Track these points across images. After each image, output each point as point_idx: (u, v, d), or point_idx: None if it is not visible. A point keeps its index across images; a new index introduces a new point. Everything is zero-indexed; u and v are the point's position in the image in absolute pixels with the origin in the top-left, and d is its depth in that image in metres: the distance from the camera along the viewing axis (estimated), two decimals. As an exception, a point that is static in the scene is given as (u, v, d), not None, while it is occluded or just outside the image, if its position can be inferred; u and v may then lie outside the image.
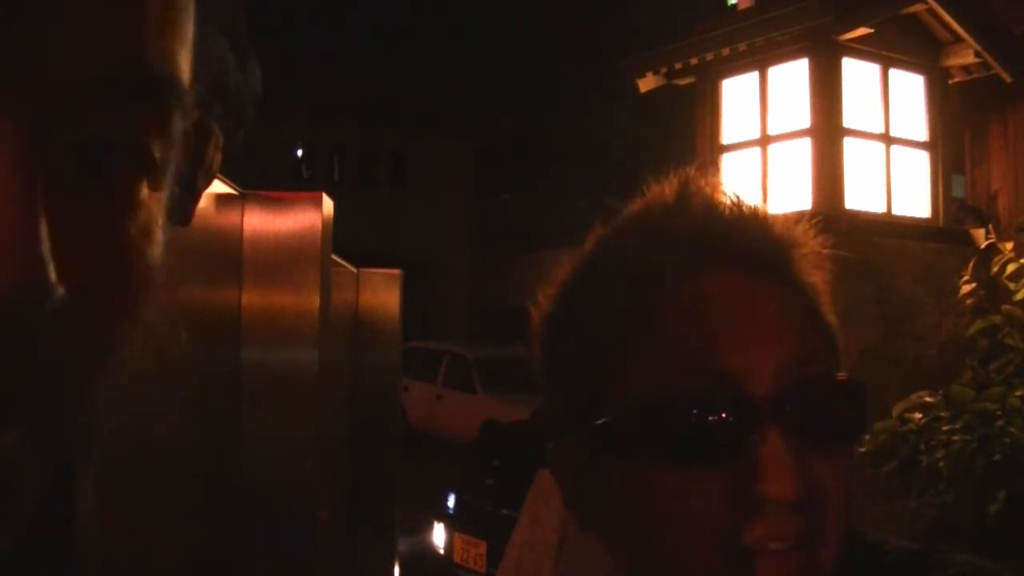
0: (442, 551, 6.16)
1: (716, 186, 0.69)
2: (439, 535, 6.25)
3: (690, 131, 4.76)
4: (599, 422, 0.64)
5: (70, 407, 0.34)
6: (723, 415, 0.60)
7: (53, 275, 0.29)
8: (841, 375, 0.64)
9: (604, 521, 0.67)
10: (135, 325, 0.36)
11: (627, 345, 0.64)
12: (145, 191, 0.35)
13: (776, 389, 0.60)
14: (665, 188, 0.70)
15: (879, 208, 4.43)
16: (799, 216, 0.71)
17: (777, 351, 0.61)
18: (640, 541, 0.64)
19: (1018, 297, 3.94)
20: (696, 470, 0.60)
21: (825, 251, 0.69)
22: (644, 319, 0.64)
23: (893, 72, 4.46)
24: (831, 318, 0.67)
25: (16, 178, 0.29)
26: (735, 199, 0.68)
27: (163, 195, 0.37)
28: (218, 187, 1.28)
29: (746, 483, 0.58)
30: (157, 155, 0.35)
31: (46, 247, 0.29)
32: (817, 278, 0.68)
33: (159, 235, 0.36)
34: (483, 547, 5.68)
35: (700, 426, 0.60)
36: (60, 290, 0.30)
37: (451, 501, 6.21)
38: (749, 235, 0.66)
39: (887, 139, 4.45)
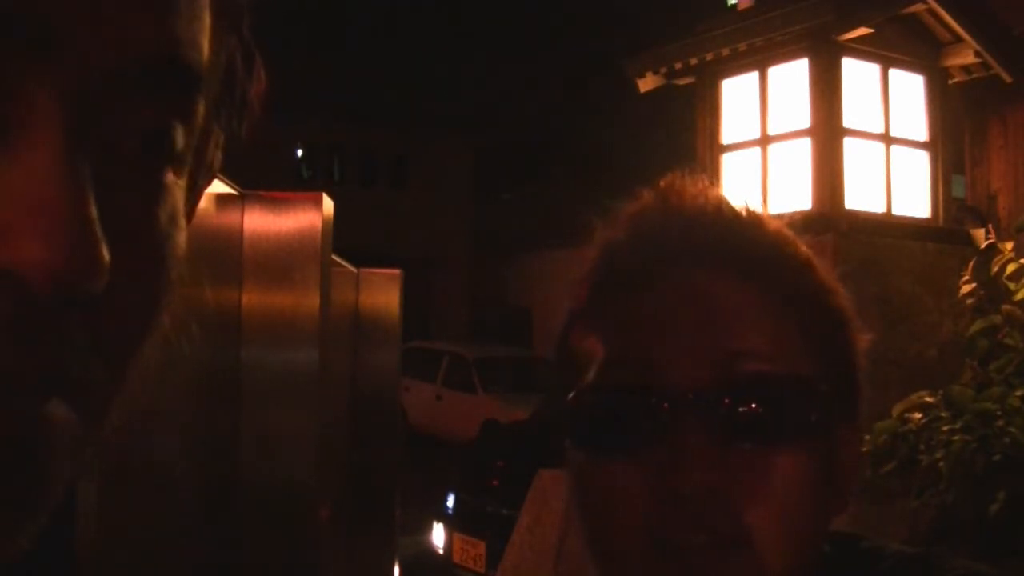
0: (441, 551, 6.16)
1: (705, 190, 0.70)
2: (438, 535, 6.25)
3: (690, 131, 4.76)
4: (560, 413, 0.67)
5: (109, 389, 0.35)
6: (644, 404, 0.61)
7: (106, 256, 0.30)
8: (787, 372, 0.63)
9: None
10: (162, 312, 0.37)
11: (590, 340, 0.66)
12: (172, 177, 0.36)
13: (702, 381, 0.60)
14: (655, 192, 0.72)
15: (879, 208, 4.43)
16: (794, 219, 0.71)
17: (708, 344, 0.61)
18: (585, 529, 0.66)
19: (1018, 297, 3.94)
20: (621, 459, 0.61)
21: (810, 256, 0.69)
22: (604, 315, 0.66)
23: (893, 72, 4.46)
24: (815, 325, 0.66)
25: (66, 160, 0.30)
26: (722, 202, 0.69)
27: (183, 182, 0.38)
28: (218, 187, 1.28)
29: (663, 474, 0.59)
30: (181, 142, 0.36)
31: (99, 228, 0.30)
32: (806, 284, 0.67)
33: (183, 222, 0.38)
34: (482, 547, 5.68)
35: (622, 415, 0.61)
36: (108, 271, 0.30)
37: (450, 501, 6.21)
38: (730, 238, 0.66)
39: (887, 139, 4.45)
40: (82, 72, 0.31)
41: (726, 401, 0.60)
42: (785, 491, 0.60)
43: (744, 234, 0.67)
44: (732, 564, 0.59)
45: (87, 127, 0.31)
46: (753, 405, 0.61)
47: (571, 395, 0.66)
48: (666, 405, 0.60)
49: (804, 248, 0.69)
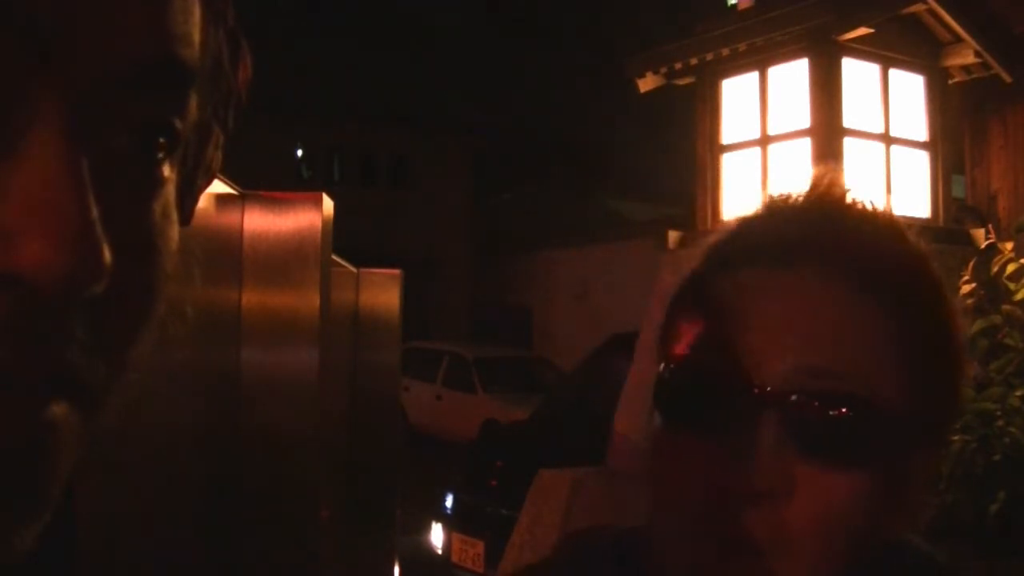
0: (440, 551, 6.15)
1: (844, 191, 0.69)
2: (437, 535, 6.24)
3: (690, 131, 4.76)
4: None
5: (108, 381, 0.35)
6: (722, 392, 0.61)
7: (108, 257, 0.30)
8: (871, 394, 0.60)
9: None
10: (159, 304, 0.37)
11: (692, 317, 0.66)
12: (166, 171, 0.36)
13: (781, 385, 0.59)
14: (798, 187, 0.71)
15: (879, 208, 4.43)
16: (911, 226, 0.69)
17: (799, 350, 0.60)
18: (652, 498, 0.66)
19: (1018, 297, 3.94)
20: (693, 439, 0.62)
21: (940, 280, 0.67)
22: (709, 297, 0.66)
23: (893, 72, 4.46)
24: (924, 353, 0.64)
25: (67, 163, 0.30)
26: (862, 208, 0.68)
27: (176, 176, 0.38)
28: (218, 187, 1.28)
29: (722, 468, 0.59)
30: (175, 136, 0.36)
31: (100, 229, 0.30)
32: (926, 310, 0.65)
33: (175, 215, 0.38)
34: (480, 547, 5.68)
35: (703, 397, 0.62)
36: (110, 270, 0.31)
37: (449, 501, 6.21)
38: (854, 246, 0.65)
39: (887, 139, 4.45)
40: (81, 73, 0.31)
41: (800, 410, 0.59)
42: (840, 510, 0.59)
43: (872, 244, 0.65)
44: (769, 571, 0.59)
45: (86, 127, 0.31)
46: (827, 420, 0.59)
47: (663, 365, 0.66)
48: (742, 400, 0.60)
49: (935, 271, 0.68)
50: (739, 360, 0.61)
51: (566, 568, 0.76)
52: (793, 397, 0.59)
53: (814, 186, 0.70)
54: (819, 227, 0.66)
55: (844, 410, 0.60)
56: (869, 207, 0.69)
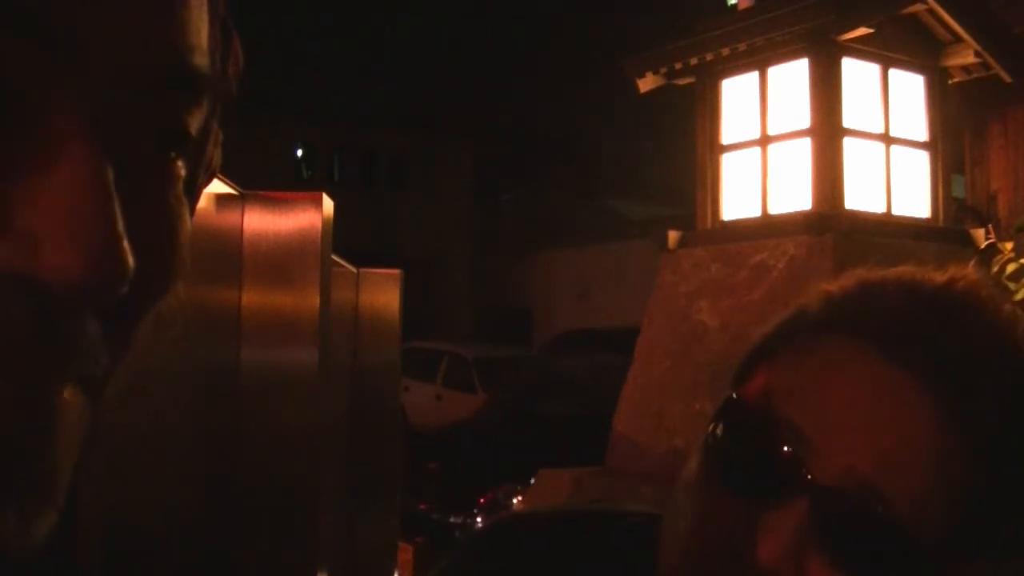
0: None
1: (986, 300, 0.65)
2: None
3: (690, 131, 4.76)
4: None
5: (112, 367, 0.36)
6: (768, 461, 0.59)
7: (131, 263, 0.31)
8: (904, 526, 0.58)
9: None
10: (171, 296, 0.38)
11: (776, 365, 0.64)
12: (180, 168, 0.37)
13: (828, 481, 0.58)
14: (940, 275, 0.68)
15: (879, 208, 4.43)
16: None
17: (857, 456, 0.58)
18: (665, 526, 0.66)
19: (1018, 297, 3.94)
20: (725, 492, 0.61)
21: None
22: (802, 354, 0.64)
23: (893, 72, 4.46)
24: (1001, 509, 0.61)
25: (93, 170, 0.31)
26: (999, 309, 0.65)
27: (186, 173, 0.39)
28: (218, 187, 1.29)
29: (745, 529, 0.59)
30: (190, 138, 0.37)
31: (125, 237, 0.31)
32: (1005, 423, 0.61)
33: (186, 206, 0.39)
34: (410, 553, 5.43)
35: (749, 457, 0.61)
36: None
37: None
38: (952, 351, 0.61)
39: (887, 139, 4.45)
40: (106, 82, 0.32)
41: (836, 512, 0.58)
42: None
43: (980, 355, 0.62)
44: None
45: (110, 134, 0.32)
46: (857, 532, 0.58)
47: (722, 406, 0.64)
48: (788, 477, 0.58)
49: None
50: (801, 438, 0.59)
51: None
52: (835, 498, 0.58)
53: (953, 279, 0.67)
54: (939, 329, 0.62)
55: (876, 530, 0.58)
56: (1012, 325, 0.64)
